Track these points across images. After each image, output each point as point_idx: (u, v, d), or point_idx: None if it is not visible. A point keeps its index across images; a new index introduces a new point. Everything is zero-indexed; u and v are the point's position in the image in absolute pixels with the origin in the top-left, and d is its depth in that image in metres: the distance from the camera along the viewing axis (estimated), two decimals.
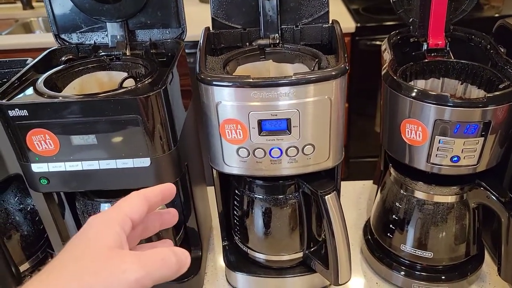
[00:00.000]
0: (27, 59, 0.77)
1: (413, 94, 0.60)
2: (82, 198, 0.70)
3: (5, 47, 1.94)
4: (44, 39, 1.95)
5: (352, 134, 2.22)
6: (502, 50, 0.69)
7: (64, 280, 0.32)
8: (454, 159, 0.61)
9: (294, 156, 0.62)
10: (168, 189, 0.42)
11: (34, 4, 2.39)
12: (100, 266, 0.33)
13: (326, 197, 0.65)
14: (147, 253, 0.36)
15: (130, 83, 0.66)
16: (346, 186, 1.04)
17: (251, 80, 0.56)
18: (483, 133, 0.59)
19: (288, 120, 0.59)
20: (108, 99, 0.57)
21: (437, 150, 0.61)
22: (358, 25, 1.94)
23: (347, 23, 1.94)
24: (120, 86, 0.62)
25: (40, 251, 0.78)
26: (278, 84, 0.56)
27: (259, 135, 0.60)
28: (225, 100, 0.58)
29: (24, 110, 0.57)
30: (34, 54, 0.74)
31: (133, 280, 0.33)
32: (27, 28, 2.35)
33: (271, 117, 0.59)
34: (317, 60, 0.65)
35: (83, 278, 0.32)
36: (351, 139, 2.22)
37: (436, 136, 0.60)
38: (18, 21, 2.34)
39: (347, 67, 0.59)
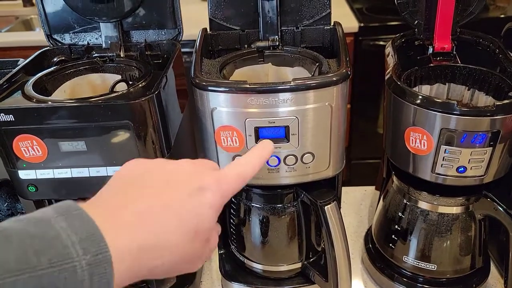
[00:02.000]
0: (19, 60, 0.75)
1: (418, 101, 0.57)
2: None
3: (5, 44, 1.92)
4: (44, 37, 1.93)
5: (354, 136, 2.19)
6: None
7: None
8: (460, 169, 0.59)
9: (293, 165, 0.59)
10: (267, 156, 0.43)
11: (35, 1, 2.36)
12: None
13: (326, 207, 0.62)
14: None
15: (123, 86, 0.64)
16: (347, 192, 1.01)
17: (248, 86, 0.54)
18: (491, 143, 0.56)
19: (286, 128, 0.56)
20: (97, 104, 0.54)
21: (443, 160, 0.59)
22: (362, 25, 1.90)
23: (350, 23, 1.90)
24: (111, 90, 0.59)
25: None
26: (277, 90, 0.54)
27: (256, 143, 0.57)
28: (220, 106, 0.56)
29: (10, 115, 0.54)
30: (34, 52, 0.72)
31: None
32: (28, 25, 2.33)
33: (269, 125, 0.56)
34: (317, 64, 0.62)
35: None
36: (353, 141, 2.19)
37: (441, 146, 0.57)
38: (19, 18, 2.32)
39: (349, 72, 0.56)
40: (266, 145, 0.43)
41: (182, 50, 0.77)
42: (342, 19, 0.71)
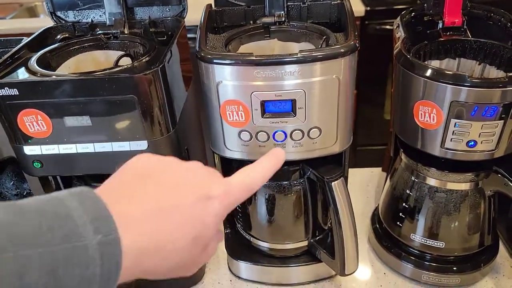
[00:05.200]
0: (23, 38, 0.74)
1: (428, 74, 0.56)
2: (79, 182, 0.67)
3: (10, 31, 1.91)
4: (49, 23, 1.91)
5: (360, 122, 2.17)
6: None
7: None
8: (470, 143, 0.58)
9: (299, 140, 0.58)
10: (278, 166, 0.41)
11: None
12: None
13: (332, 183, 0.62)
14: None
15: (127, 61, 0.63)
16: (354, 173, 1.00)
17: (254, 58, 0.53)
18: (502, 115, 0.55)
19: (293, 101, 0.55)
20: (102, 78, 0.54)
21: (453, 134, 0.58)
22: (368, 8, 1.88)
23: (356, 6, 1.88)
24: (116, 64, 0.59)
25: None
26: (283, 62, 0.53)
27: (262, 117, 0.56)
28: (226, 80, 0.55)
29: (14, 89, 0.54)
30: None
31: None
32: (32, 12, 2.32)
33: (275, 98, 0.55)
34: (324, 37, 0.61)
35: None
36: (358, 126, 2.18)
37: (451, 119, 0.56)
38: (23, 5, 2.31)
39: (357, 45, 0.55)
40: (278, 153, 0.41)
41: (187, 35, 0.76)
42: None
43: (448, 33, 0.67)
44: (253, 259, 0.74)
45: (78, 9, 0.73)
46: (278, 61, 0.53)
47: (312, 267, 0.73)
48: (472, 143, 0.57)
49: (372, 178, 0.99)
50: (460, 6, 0.68)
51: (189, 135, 0.70)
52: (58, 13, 0.73)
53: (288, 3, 0.70)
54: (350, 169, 1.00)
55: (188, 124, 0.69)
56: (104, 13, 0.72)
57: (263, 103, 0.55)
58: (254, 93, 0.55)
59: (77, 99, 0.55)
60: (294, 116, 0.56)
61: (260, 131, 0.58)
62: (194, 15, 0.74)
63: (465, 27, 0.67)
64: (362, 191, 0.96)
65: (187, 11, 0.72)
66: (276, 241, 0.73)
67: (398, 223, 0.72)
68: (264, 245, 0.73)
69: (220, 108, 0.57)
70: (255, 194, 0.69)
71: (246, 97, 0.55)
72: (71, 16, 0.73)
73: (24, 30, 1.91)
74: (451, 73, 0.55)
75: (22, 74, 0.57)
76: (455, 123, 0.56)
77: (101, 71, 0.55)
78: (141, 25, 0.72)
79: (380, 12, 1.89)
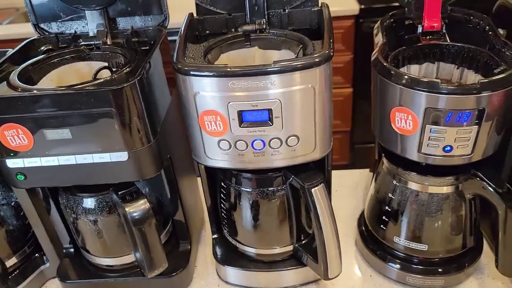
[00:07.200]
0: (8, 50, 0.75)
1: (403, 81, 0.57)
2: (65, 193, 0.68)
3: (6, 36, 1.93)
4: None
5: (356, 119, 2.17)
6: (501, 32, 0.65)
7: None
8: (446, 148, 0.58)
9: (278, 148, 0.59)
10: None
11: None
12: None
13: (313, 189, 0.62)
14: None
15: (107, 73, 0.64)
16: (343, 175, 1.01)
17: (229, 69, 0.53)
18: (477, 121, 0.55)
19: (269, 111, 0.56)
20: (79, 92, 0.54)
21: (429, 139, 0.58)
22: (362, 6, 1.87)
23: (351, 5, 1.87)
24: (94, 77, 0.59)
25: (27, 246, 0.77)
26: (257, 73, 0.53)
27: (240, 126, 0.57)
28: (203, 91, 0.56)
29: None
30: None
31: None
32: (28, 17, 2.33)
33: (252, 108, 0.56)
34: (301, 46, 0.61)
35: None
36: (355, 124, 2.18)
37: (427, 125, 0.57)
38: (19, 10, 2.32)
39: (332, 53, 0.55)
40: None
41: (171, 38, 0.76)
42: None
43: (427, 37, 0.68)
44: (241, 264, 0.75)
45: (60, 20, 0.73)
46: (252, 72, 0.53)
47: (299, 271, 0.74)
48: (448, 148, 0.58)
49: (361, 180, 1.00)
50: (439, 10, 0.68)
51: (172, 142, 0.70)
52: (42, 25, 0.74)
53: (269, 11, 0.70)
54: (340, 171, 1.01)
55: (171, 132, 0.69)
56: (86, 24, 0.72)
57: (240, 113, 0.56)
58: (230, 103, 0.55)
59: (57, 113, 0.56)
60: (271, 125, 0.57)
61: (239, 140, 0.59)
62: (180, 19, 0.75)
63: (444, 31, 0.67)
64: (351, 193, 0.97)
65: (169, 20, 0.73)
66: (262, 246, 0.73)
67: (382, 226, 0.73)
68: (250, 250, 0.74)
69: (199, 118, 0.58)
70: (239, 201, 0.70)
71: (223, 108, 0.56)
72: (54, 28, 0.74)
73: (21, 35, 1.91)
74: (425, 80, 0.55)
75: (3, 89, 0.58)
76: (431, 129, 0.57)
77: (79, 85, 0.56)
78: (123, 35, 0.72)
79: (374, 10, 1.89)
